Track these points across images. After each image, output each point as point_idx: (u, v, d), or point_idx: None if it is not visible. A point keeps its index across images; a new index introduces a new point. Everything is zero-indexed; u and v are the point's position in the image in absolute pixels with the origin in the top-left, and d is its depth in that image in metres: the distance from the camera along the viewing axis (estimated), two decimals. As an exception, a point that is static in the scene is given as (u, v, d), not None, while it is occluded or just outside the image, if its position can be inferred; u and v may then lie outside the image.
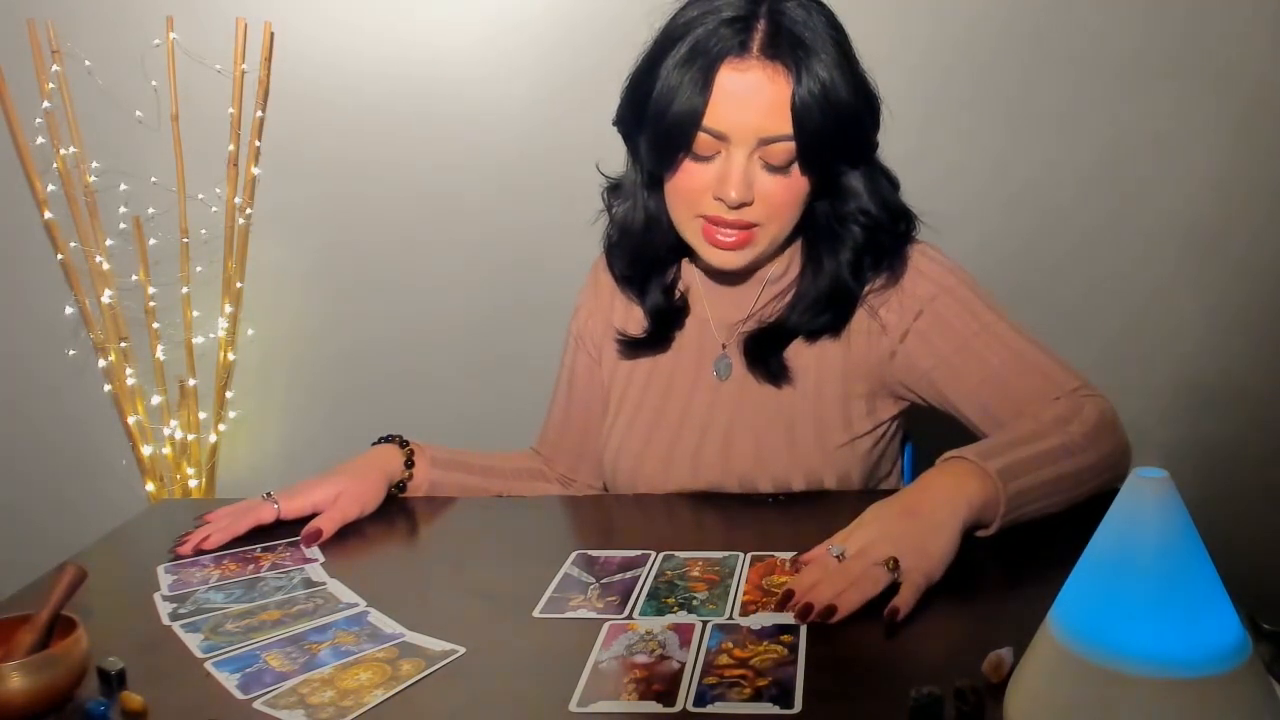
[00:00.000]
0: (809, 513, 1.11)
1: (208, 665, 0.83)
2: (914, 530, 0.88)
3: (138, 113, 1.97)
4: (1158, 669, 0.57)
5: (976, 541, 0.92)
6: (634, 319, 1.26)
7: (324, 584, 0.98)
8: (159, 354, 2.03)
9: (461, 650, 0.83)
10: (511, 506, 1.24)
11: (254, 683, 0.80)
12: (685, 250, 1.20)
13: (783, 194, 1.07)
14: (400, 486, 1.21)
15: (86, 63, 1.96)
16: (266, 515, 1.12)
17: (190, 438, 2.05)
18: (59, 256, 2.01)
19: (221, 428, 2.08)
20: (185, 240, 2.00)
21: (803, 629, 0.82)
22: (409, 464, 1.21)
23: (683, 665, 0.78)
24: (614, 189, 1.24)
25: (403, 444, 1.22)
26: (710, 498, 1.17)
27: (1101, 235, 1.92)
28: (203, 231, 2.01)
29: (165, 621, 0.92)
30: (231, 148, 1.97)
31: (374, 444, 1.23)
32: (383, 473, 1.19)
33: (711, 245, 1.09)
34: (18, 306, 2.10)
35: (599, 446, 1.28)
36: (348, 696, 0.77)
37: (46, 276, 2.06)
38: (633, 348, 1.25)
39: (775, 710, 0.71)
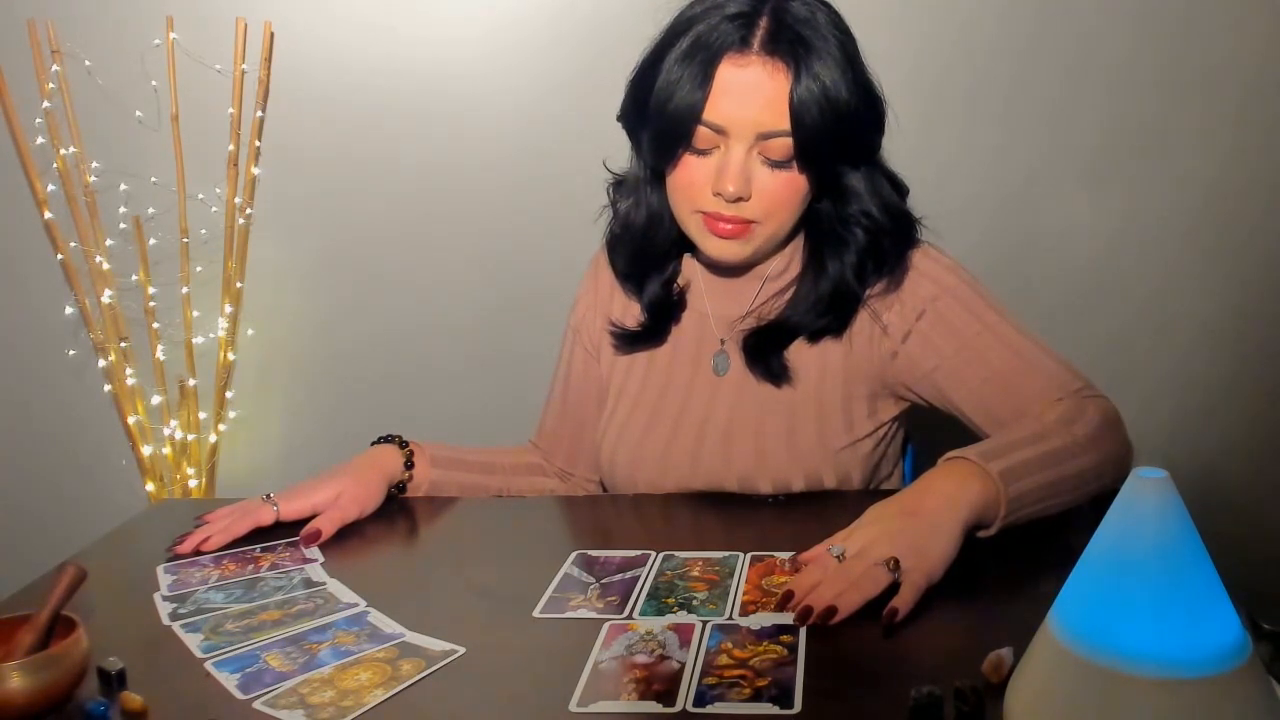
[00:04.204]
0: (809, 513, 1.11)
1: (208, 665, 0.83)
2: (914, 530, 0.88)
3: (138, 113, 1.97)
4: (1158, 669, 0.57)
5: (976, 541, 0.92)
6: (632, 313, 1.26)
7: (324, 584, 0.98)
8: (159, 354, 2.03)
9: (461, 650, 0.83)
10: (511, 506, 1.24)
11: (254, 683, 0.80)
12: (687, 245, 1.20)
13: (781, 191, 1.07)
14: (400, 487, 1.21)
15: (86, 63, 1.96)
16: (266, 517, 1.12)
17: (190, 438, 2.05)
18: (59, 256, 2.01)
19: (221, 428, 2.08)
20: (185, 240, 2.00)
21: (802, 629, 0.82)
22: (409, 464, 1.21)
23: (682, 665, 0.78)
24: (618, 184, 1.24)
25: (402, 444, 1.22)
26: (710, 498, 1.17)
27: (1098, 235, 1.92)
28: (203, 231, 2.01)
29: (165, 621, 0.92)
30: (231, 148, 1.97)
31: (373, 444, 1.23)
32: (382, 473, 1.19)
33: (712, 235, 1.10)
34: (18, 306, 2.10)
35: (596, 440, 1.28)
36: (348, 696, 0.77)
37: (46, 276, 2.06)
38: (628, 341, 1.25)
39: (775, 710, 0.71)
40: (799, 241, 1.18)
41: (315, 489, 1.14)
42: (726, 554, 0.98)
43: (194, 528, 1.11)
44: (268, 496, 1.13)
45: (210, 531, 1.09)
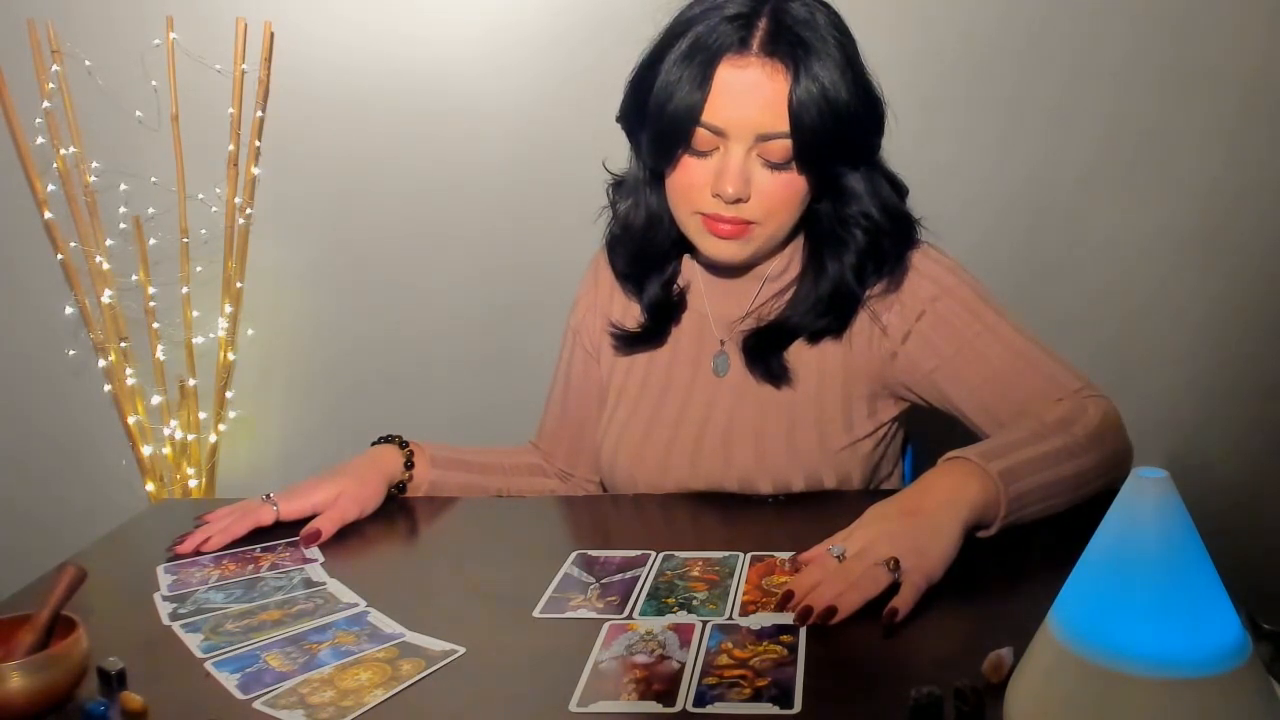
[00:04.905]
0: (809, 513, 1.11)
1: (208, 665, 0.83)
2: (914, 531, 0.88)
3: (138, 113, 1.97)
4: (1158, 669, 0.57)
5: (976, 541, 0.92)
6: (632, 314, 1.26)
7: (324, 584, 0.98)
8: (159, 354, 2.03)
9: (461, 650, 0.83)
10: (511, 506, 1.24)
11: (254, 683, 0.80)
12: (686, 246, 1.20)
13: (780, 192, 1.07)
14: (400, 487, 1.21)
15: (86, 63, 1.96)
16: (265, 517, 1.12)
17: (190, 438, 2.05)
18: (59, 256, 2.01)
19: (221, 428, 2.08)
20: (185, 240, 2.00)
21: (802, 629, 0.82)
22: (409, 465, 1.21)
23: (682, 665, 0.78)
24: (618, 185, 1.24)
25: (402, 444, 1.22)
26: (710, 498, 1.17)
27: (1098, 235, 1.92)
28: (203, 231, 2.01)
29: (165, 621, 0.92)
30: (231, 148, 1.97)
31: (373, 444, 1.23)
32: (382, 474, 1.19)
33: (712, 235, 1.09)
34: (18, 306, 2.10)
35: (596, 441, 1.28)
36: (348, 696, 0.77)
37: (46, 276, 2.06)
38: (628, 343, 1.25)
39: (775, 710, 0.71)
40: (798, 242, 1.18)
41: (315, 489, 1.14)
42: (726, 554, 0.98)
43: (194, 528, 1.11)
44: (267, 496, 1.13)
45: (210, 532, 1.09)
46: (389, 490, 1.20)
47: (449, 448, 1.27)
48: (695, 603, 0.88)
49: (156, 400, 2.03)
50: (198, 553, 1.07)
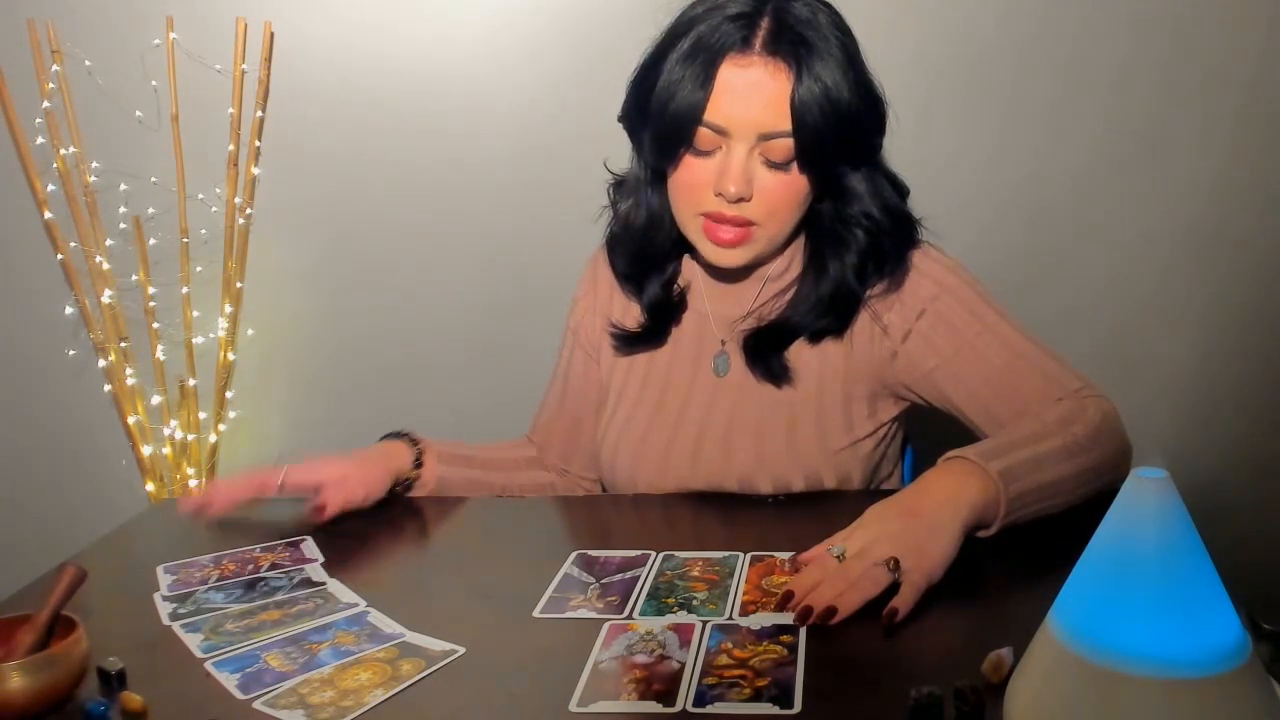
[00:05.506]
0: (809, 513, 1.11)
1: (208, 665, 0.83)
2: (914, 530, 0.88)
3: (138, 113, 1.97)
4: (1158, 669, 0.57)
5: (976, 541, 0.92)
6: (632, 314, 1.26)
7: (324, 584, 0.98)
8: (159, 354, 2.03)
9: (461, 650, 0.83)
10: (511, 506, 1.24)
11: (254, 683, 0.80)
12: (687, 246, 1.20)
13: (782, 191, 1.07)
14: (407, 485, 1.21)
15: (86, 63, 1.96)
16: (271, 482, 1.13)
17: (190, 438, 2.05)
18: (59, 256, 2.01)
19: (221, 428, 2.08)
20: (185, 240, 2.00)
21: (802, 629, 0.82)
22: (418, 464, 1.21)
23: (682, 665, 0.78)
24: (619, 185, 1.24)
25: (412, 441, 1.23)
26: (710, 498, 1.17)
27: (1096, 235, 1.92)
28: (203, 231, 2.01)
29: (165, 621, 0.92)
30: (231, 148, 1.97)
31: (382, 438, 1.24)
32: (390, 466, 1.19)
33: (712, 242, 1.10)
34: (18, 306, 2.10)
35: (593, 440, 1.28)
36: (348, 696, 0.77)
37: (46, 276, 2.06)
38: (628, 343, 1.25)
39: (775, 710, 0.71)
40: (800, 242, 1.18)
41: (324, 466, 1.14)
42: (726, 554, 0.98)
43: (193, 525, 1.11)
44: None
45: (214, 494, 1.11)
46: (394, 486, 1.20)
47: (454, 444, 1.27)
48: (695, 603, 0.88)
49: (156, 400, 2.03)
50: (199, 515, 1.09)
